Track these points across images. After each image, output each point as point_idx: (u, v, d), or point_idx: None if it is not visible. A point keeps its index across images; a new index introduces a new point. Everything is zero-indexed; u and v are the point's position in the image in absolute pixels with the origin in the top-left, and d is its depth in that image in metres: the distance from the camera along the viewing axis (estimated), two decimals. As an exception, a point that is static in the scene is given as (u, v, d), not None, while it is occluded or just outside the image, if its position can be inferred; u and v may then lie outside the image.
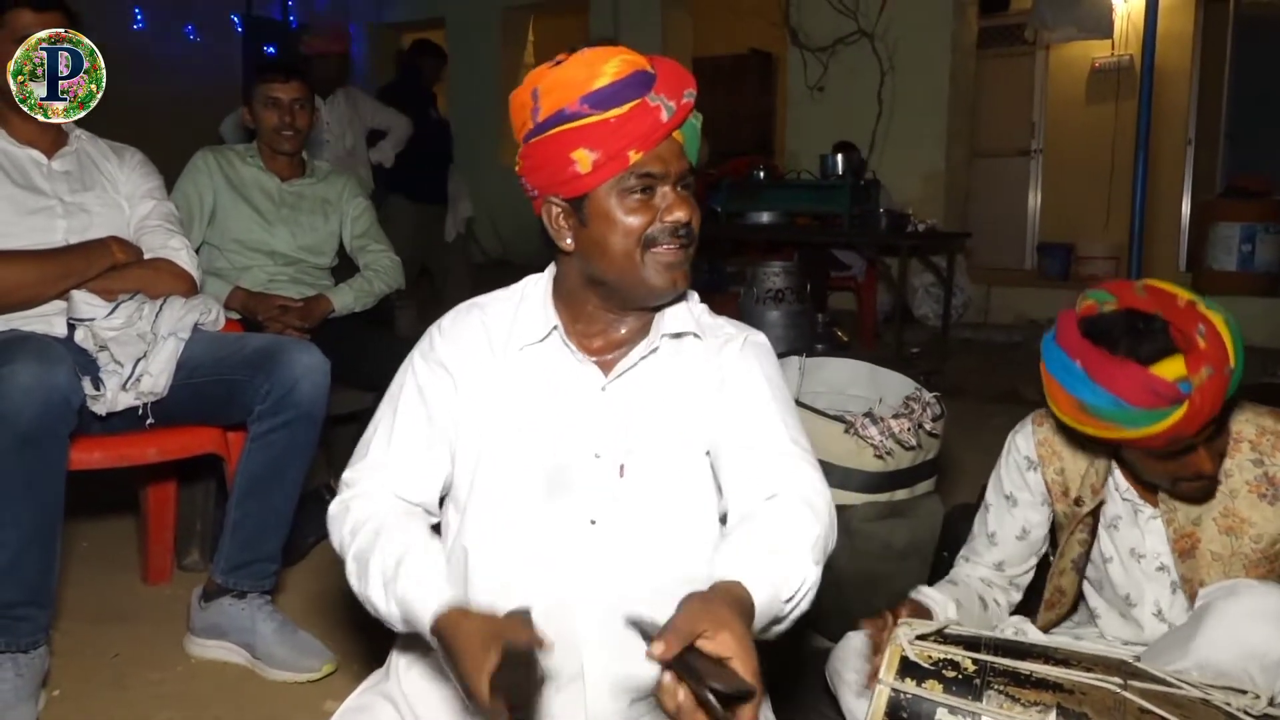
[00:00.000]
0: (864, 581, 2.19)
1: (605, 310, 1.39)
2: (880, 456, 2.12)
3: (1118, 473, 1.70)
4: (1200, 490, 1.59)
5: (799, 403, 2.27)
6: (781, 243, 6.41)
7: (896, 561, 2.23)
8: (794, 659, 2.22)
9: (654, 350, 1.40)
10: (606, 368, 1.40)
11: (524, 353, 1.41)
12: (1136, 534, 1.71)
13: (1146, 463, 1.57)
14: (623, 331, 1.41)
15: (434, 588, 1.22)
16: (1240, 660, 1.44)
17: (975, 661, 1.45)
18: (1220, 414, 1.48)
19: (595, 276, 1.35)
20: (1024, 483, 1.81)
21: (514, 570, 1.37)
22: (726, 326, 1.46)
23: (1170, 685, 1.41)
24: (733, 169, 6.88)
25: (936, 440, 2.23)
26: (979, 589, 1.85)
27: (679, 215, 1.31)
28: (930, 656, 1.47)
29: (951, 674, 1.44)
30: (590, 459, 1.37)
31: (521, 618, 1.18)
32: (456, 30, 9.73)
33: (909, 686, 1.43)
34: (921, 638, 1.49)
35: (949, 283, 5.90)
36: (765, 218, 6.10)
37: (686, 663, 0.97)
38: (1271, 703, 1.41)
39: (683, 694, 0.98)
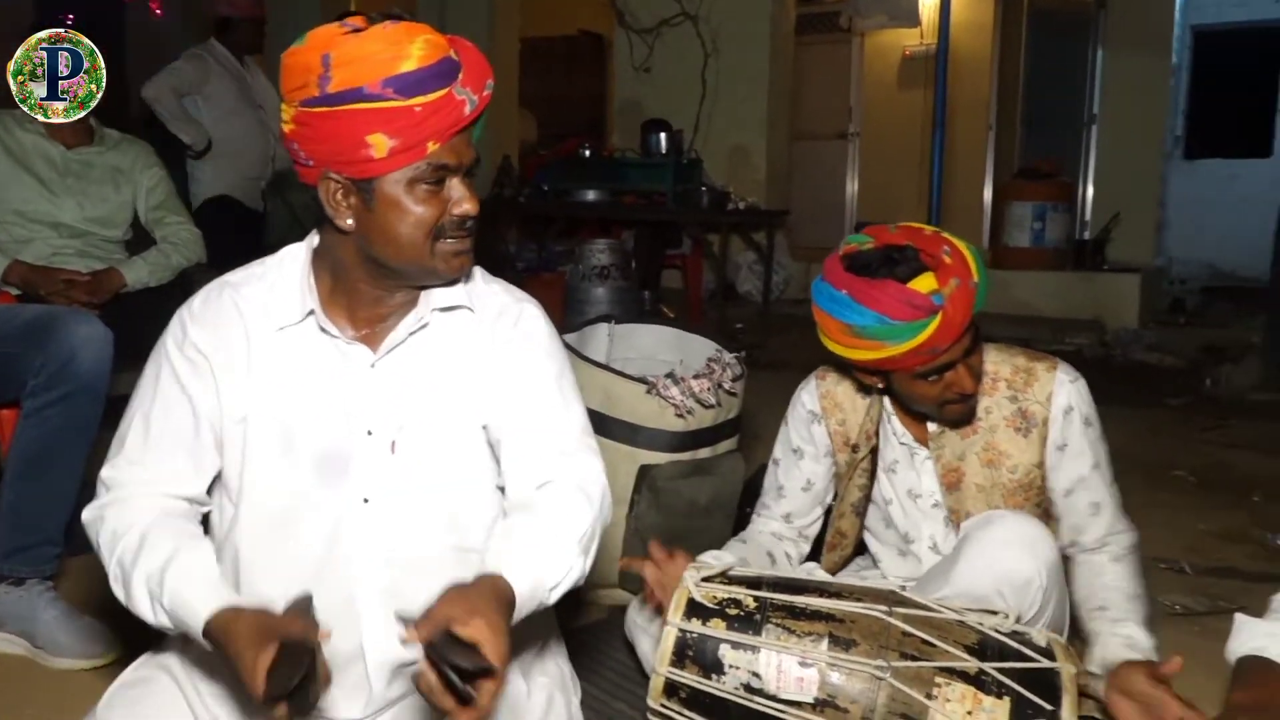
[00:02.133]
0: (670, 538, 2.22)
1: (375, 288, 1.36)
2: (681, 415, 2.19)
3: (894, 418, 1.82)
4: (964, 412, 1.71)
5: (605, 366, 2.31)
6: (611, 221, 6.47)
7: (701, 517, 2.30)
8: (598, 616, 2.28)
9: (423, 325, 1.38)
10: (373, 343, 1.37)
11: (284, 334, 1.36)
12: (913, 475, 1.84)
13: (915, 389, 1.68)
14: (389, 306, 1.38)
15: (202, 594, 1.20)
16: (994, 584, 1.57)
17: (756, 599, 1.52)
18: (973, 334, 1.62)
19: (375, 259, 1.31)
20: (809, 436, 1.91)
21: (290, 558, 1.35)
22: (501, 295, 1.45)
23: (931, 610, 1.52)
24: (562, 150, 6.89)
25: (736, 399, 2.31)
26: (768, 544, 1.95)
27: (467, 208, 1.30)
28: (715, 597, 1.53)
29: (734, 612, 1.51)
30: (362, 437, 1.36)
31: (301, 607, 1.18)
32: None
33: (695, 626, 1.49)
34: (707, 580, 1.56)
35: (769, 260, 6.09)
36: (592, 196, 6.14)
37: (436, 646, 1.04)
38: (1019, 620, 1.54)
39: (434, 677, 1.04)
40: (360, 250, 1.32)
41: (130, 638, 2.02)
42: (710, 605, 1.51)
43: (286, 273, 1.40)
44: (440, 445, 1.38)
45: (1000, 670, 1.42)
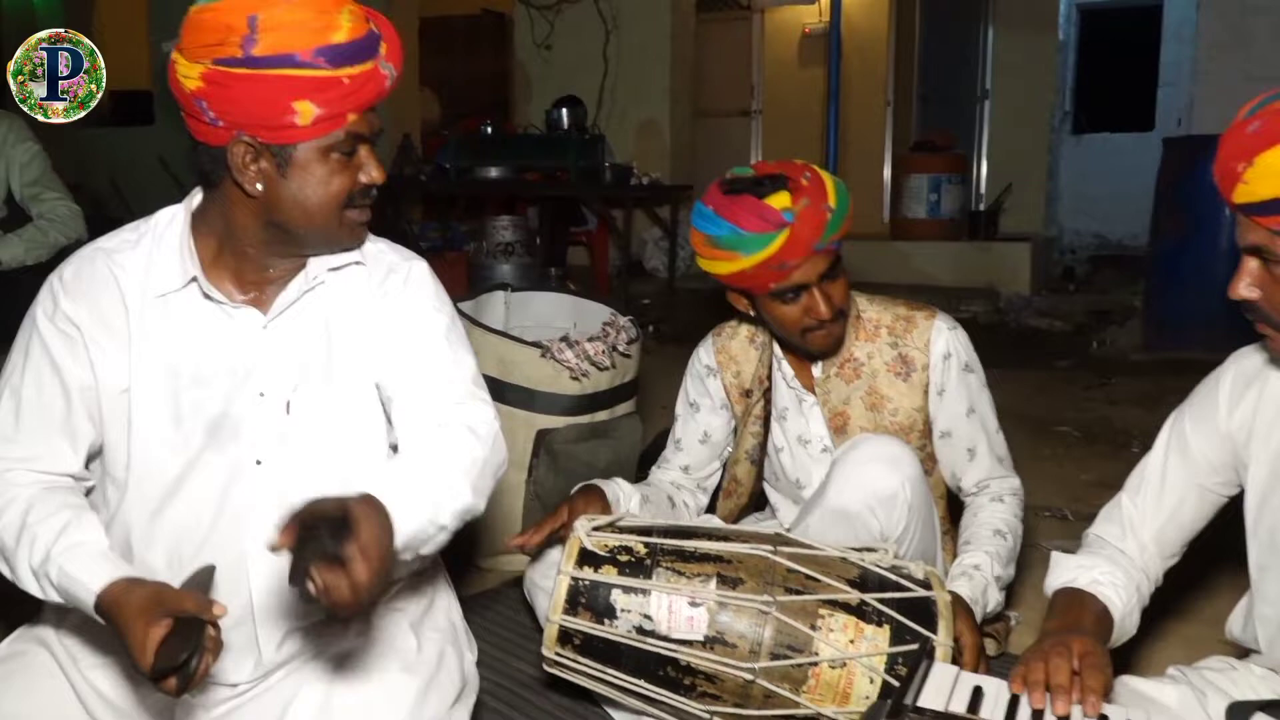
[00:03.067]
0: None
1: (267, 253, 1.34)
2: (576, 378, 2.21)
3: (785, 363, 1.88)
4: (826, 341, 1.76)
5: (498, 332, 2.32)
6: (515, 198, 6.44)
7: (599, 479, 2.32)
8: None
9: (319, 284, 1.37)
10: (262, 305, 1.35)
11: (165, 300, 1.33)
12: (802, 421, 1.89)
13: (776, 311, 1.73)
14: (278, 270, 1.36)
15: (92, 568, 1.18)
16: (863, 500, 1.64)
17: (647, 545, 1.55)
18: (831, 261, 1.68)
19: (280, 224, 1.30)
20: (705, 390, 1.96)
21: (179, 523, 1.33)
22: (389, 254, 1.45)
23: (814, 548, 1.57)
24: (463, 128, 6.82)
25: (632, 361, 2.34)
26: (669, 490, 2.00)
27: (375, 176, 1.31)
28: (606, 545, 1.55)
29: (625, 558, 1.53)
30: (254, 400, 1.34)
31: (200, 580, 1.17)
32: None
33: (587, 574, 1.52)
34: (598, 529, 1.58)
35: (674, 234, 6.14)
36: (494, 173, 6.10)
37: (305, 535, 1.01)
38: (896, 555, 1.60)
39: (309, 559, 1.01)
40: (262, 215, 1.30)
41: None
42: (602, 553, 1.54)
43: (164, 237, 1.36)
44: (334, 405, 1.37)
45: (880, 600, 1.48)
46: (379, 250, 1.44)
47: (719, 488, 2.04)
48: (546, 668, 1.58)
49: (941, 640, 1.45)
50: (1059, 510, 2.82)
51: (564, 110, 5.98)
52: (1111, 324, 5.76)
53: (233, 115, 1.23)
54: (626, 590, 1.50)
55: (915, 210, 6.91)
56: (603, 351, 2.20)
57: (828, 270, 1.69)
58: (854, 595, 1.48)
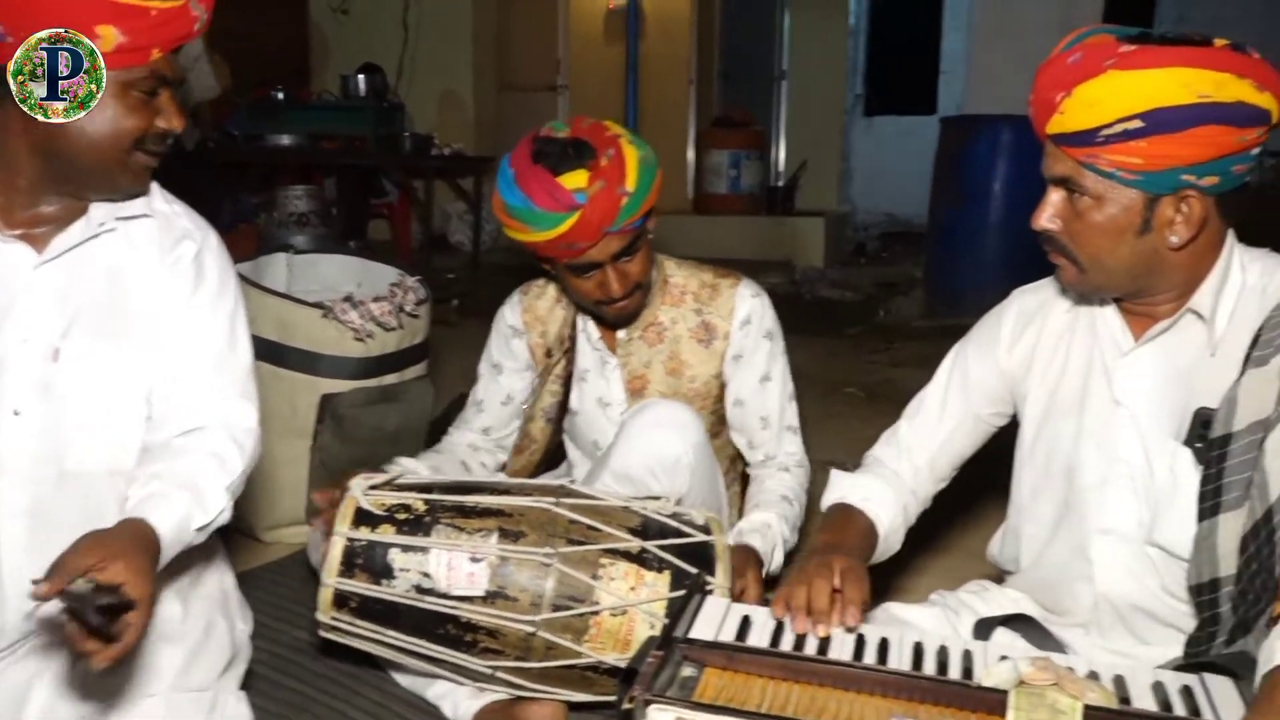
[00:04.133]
0: (357, 466, 2.20)
1: (37, 186, 1.24)
2: (361, 339, 2.13)
3: (590, 324, 1.87)
4: (620, 314, 1.77)
5: (277, 293, 2.21)
6: (311, 167, 6.17)
7: (389, 444, 2.25)
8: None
9: (105, 230, 1.29)
10: (37, 244, 1.26)
11: None
12: (603, 384, 1.89)
13: (571, 282, 1.74)
14: (51, 208, 1.27)
15: None
16: (646, 463, 1.66)
17: (427, 502, 1.52)
18: (629, 241, 1.67)
19: (59, 154, 1.21)
20: (509, 351, 1.94)
21: None
22: (183, 218, 1.38)
23: (597, 499, 1.58)
24: (255, 93, 6.47)
25: (420, 322, 2.28)
26: (463, 454, 1.96)
27: (174, 124, 1.26)
28: (384, 504, 1.51)
29: (404, 516, 1.49)
30: (16, 344, 1.24)
31: None
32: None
33: (363, 534, 1.47)
34: (375, 487, 1.53)
35: (478, 208, 6.05)
36: (287, 141, 5.82)
37: (72, 594, 1.03)
38: (679, 503, 1.63)
39: (74, 625, 1.03)
40: (42, 145, 1.21)
41: None
42: (379, 512, 1.49)
43: None
44: (105, 359, 1.29)
45: (660, 547, 1.50)
46: (174, 212, 1.38)
47: None
48: (322, 633, 1.52)
49: (719, 582, 1.49)
50: (843, 464, 2.94)
51: (361, 77, 5.77)
52: (897, 294, 6.09)
53: (27, 32, 1.16)
54: (405, 549, 1.46)
55: (717, 185, 7.08)
56: (389, 312, 2.13)
57: (623, 250, 1.68)
58: (635, 543, 1.50)
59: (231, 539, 2.27)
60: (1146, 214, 1.20)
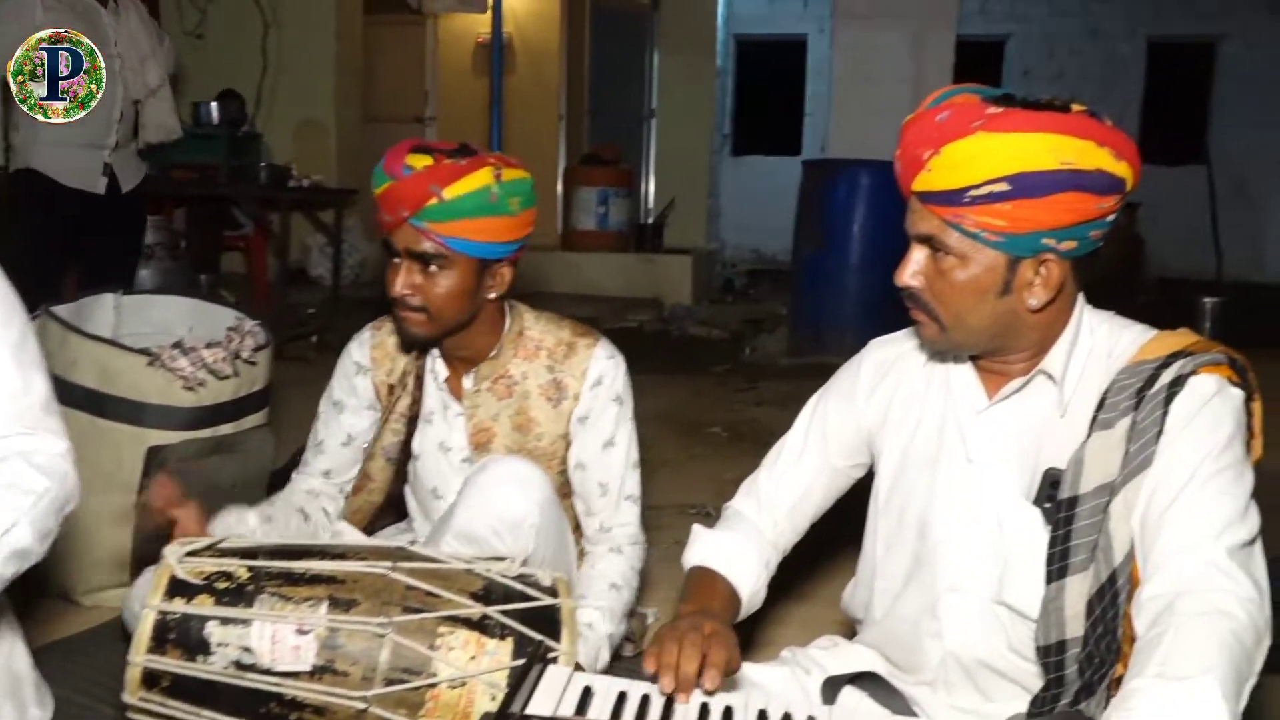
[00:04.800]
0: (189, 525, 2.06)
1: None
2: (191, 388, 2.00)
3: (438, 364, 1.80)
4: (406, 323, 1.69)
5: (99, 338, 2.06)
6: (160, 197, 5.86)
7: (224, 499, 2.11)
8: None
9: None
10: None
11: None
12: (445, 428, 1.82)
13: (387, 270, 1.70)
14: None
15: None
16: (490, 524, 1.59)
17: (250, 569, 1.41)
18: (425, 257, 1.63)
19: None
20: (352, 388, 1.86)
21: None
22: None
23: (438, 561, 1.50)
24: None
25: (259, 368, 2.16)
26: (301, 502, 1.87)
27: None
28: (203, 572, 1.40)
29: (224, 585, 1.38)
30: None
31: None
32: None
33: (177, 606, 1.35)
34: (193, 554, 1.42)
35: (338, 241, 5.87)
36: (133, 169, 5.52)
37: None
38: (525, 563, 1.57)
39: None
40: None
41: None
42: (196, 581, 1.38)
43: None
44: None
45: (503, 613, 1.43)
46: None
47: None
48: (131, 716, 1.39)
49: (563, 648, 1.42)
50: (703, 507, 2.94)
51: (214, 104, 5.54)
52: (763, 332, 6.18)
53: None
54: (224, 622, 1.35)
55: (585, 222, 7.07)
56: (223, 358, 2.01)
57: (419, 254, 1.63)
58: (476, 609, 1.42)
59: (44, 604, 2.10)
60: (1008, 275, 1.21)
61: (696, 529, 1.49)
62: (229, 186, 5.44)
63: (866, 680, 1.39)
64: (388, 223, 1.64)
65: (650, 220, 7.98)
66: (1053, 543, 1.22)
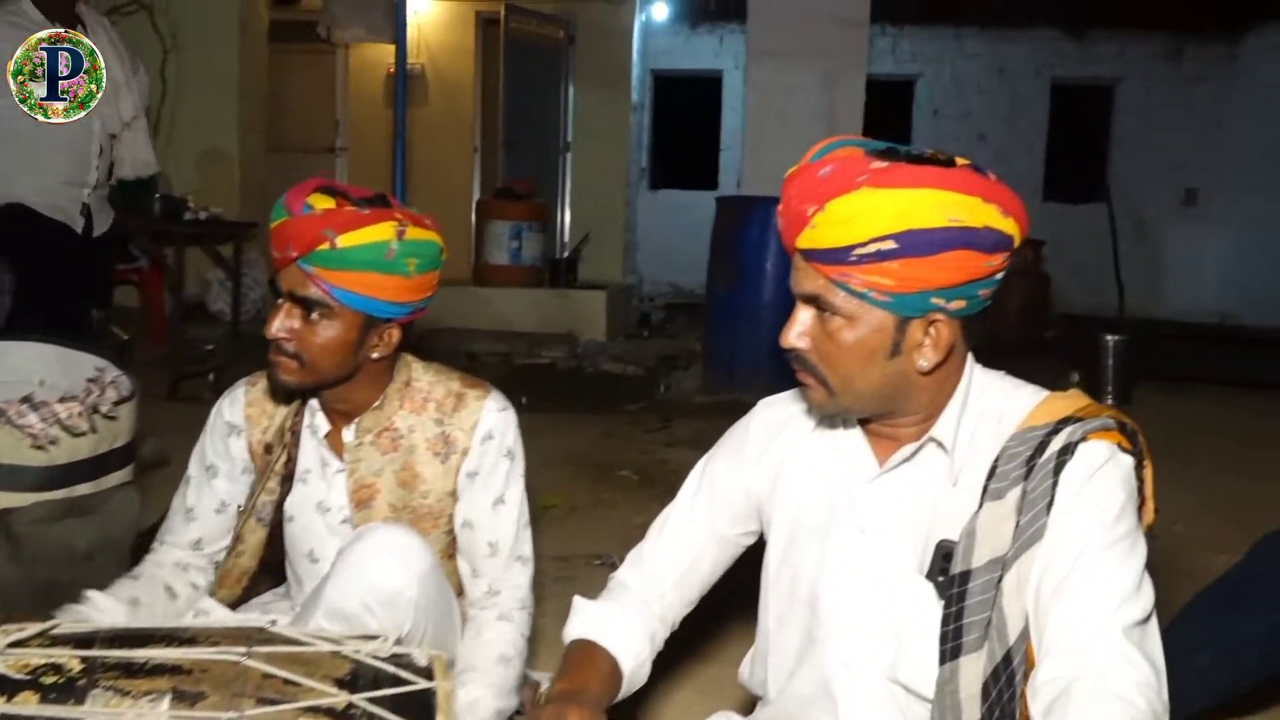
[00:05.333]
0: (42, 594, 1.89)
1: None
2: (41, 447, 1.84)
3: (319, 417, 1.68)
4: (275, 369, 1.58)
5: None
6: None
7: (82, 566, 1.96)
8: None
9: None
10: None
11: None
12: (323, 487, 1.69)
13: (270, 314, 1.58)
14: None
15: None
16: (361, 599, 1.47)
17: (84, 659, 1.26)
18: (313, 304, 1.51)
19: None
20: (225, 451, 1.72)
21: None
22: None
23: (302, 644, 1.37)
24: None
25: (121, 423, 2.00)
26: (168, 577, 1.71)
27: None
28: (28, 665, 1.24)
29: (52, 679, 1.23)
30: None
31: None
32: None
33: (-4, 705, 1.20)
34: (18, 644, 1.27)
35: (237, 275, 5.66)
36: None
37: None
38: (400, 641, 1.45)
39: None
40: None
41: None
42: (20, 676, 1.22)
43: None
44: None
45: (371, 700, 1.31)
46: None
47: None
48: (-60, 833, 1.23)
49: (438, 736, 1.31)
50: (608, 557, 2.84)
51: (106, 132, 5.29)
52: (678, 369, 6.13)
53: None
54: (50, 722, 1.20)
55: (498, 257, 6.96)
56: (79, 413, 1.85)
57: (301, 299, 1.52)
58: (341, 697, 1.29)
59: None
60: (897, 336, 1.16)
61: (577, 601, 1.40)
62: (121, 219, 5.20)
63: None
64: (276, 260, 1.53)
65: (565, 254, 7.91)
66: (945, 620, 1.16)
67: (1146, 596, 1.09)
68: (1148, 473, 1.18)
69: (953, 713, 1.13)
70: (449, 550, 1.71)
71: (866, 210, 1.10)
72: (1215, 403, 5.64)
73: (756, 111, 6.07)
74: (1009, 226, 1.13)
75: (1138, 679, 1.02)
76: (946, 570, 1.17)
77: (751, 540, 1.45)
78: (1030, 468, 1.13)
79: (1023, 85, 10.30)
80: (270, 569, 1.81)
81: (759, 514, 1.40)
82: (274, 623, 1.46)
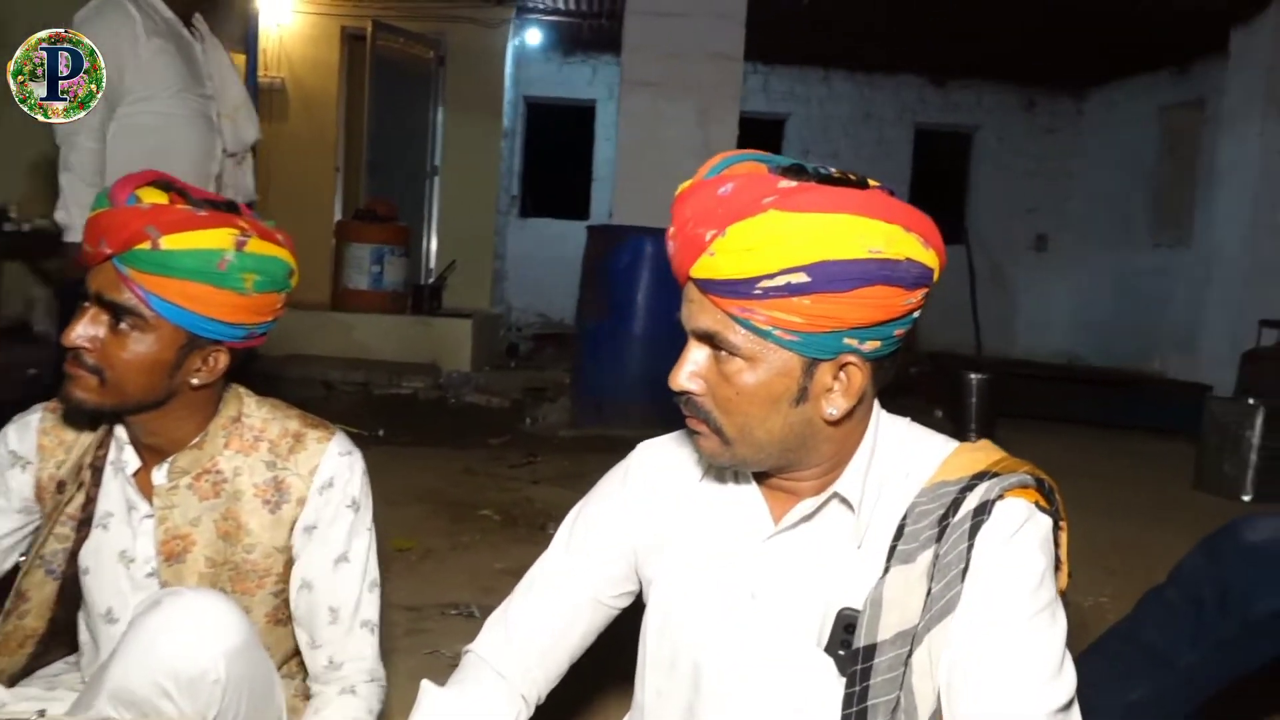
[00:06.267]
0: None
1: None
2: None
3: (127, 450, 1.43)
4: (72, 387, 1.34)
5: None
6: None
7: None
8: None
9: None
10: None
11: None
12: (129, 534, 1.45)
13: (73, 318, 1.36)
14: None
15: None
16: (154, 682, 1.23)
17: None
18: (118, 307, 1.30)
19: None
20: (3, 485, 1.46)
21: None
22: None
23: (73, 738, 1.13)
24: None
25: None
26: None
27: None
28: None
29: None
30: None
31: None
32: None
33: None
34: None
35: (63, 293, 5.20)
36: None
37: None
38: (202, 727, 1.22)
39: None
40: None
41: None
42: None
43: None
44: None
45: (157, 808, 1.08)
46: None
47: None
48: None
49: None
50: (466, 606, 2.62)
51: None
52: (545, 400, 5.94)
53: None
54: None
55: (358, 280, 6.64)
56: None
57: (110, 304, 1.30)
58: (117, 805, 1.06)
59: None
60: (804, 381, 1.02)
61: (425, 688, 1.20)
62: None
63: None
64: (88, 255, 1.30)
65: (430, 281, 7.63)
66: (847, 701, 1.01)
67: (1069, 676, 0.97)
68: (1064, 536, 1.06)
69: None
70: (276, 615, 1.48)
71: (775, 237, 0.95)
72: (1071, 441, 5.79)
73: (629, 142, 5.98)
74: (930, 259, 1.01)
75: None
76: (848, 643, 1.03)
77: (628, 602, 1.29)
78: (943, 528, 1.01)
79: (888, 129, 10.58)
80: (63, 631, 1.54)
81: (637, 573, 1.24)
82: (43, 714, 1.20)
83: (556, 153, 10.88)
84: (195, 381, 1.38)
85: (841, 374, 1.03)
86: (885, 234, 0.97)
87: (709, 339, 1.03)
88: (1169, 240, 8.93)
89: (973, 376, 5.46)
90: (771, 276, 0.96)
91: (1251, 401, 4.49)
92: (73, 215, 3.03)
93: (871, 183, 1.02)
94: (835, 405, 1.03)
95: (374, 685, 1.50)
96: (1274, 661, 1.68)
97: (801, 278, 0.95)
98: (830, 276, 0.95)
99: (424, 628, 2.51)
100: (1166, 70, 9.07)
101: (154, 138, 3.02)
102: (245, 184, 3.36)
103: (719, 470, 1.17)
